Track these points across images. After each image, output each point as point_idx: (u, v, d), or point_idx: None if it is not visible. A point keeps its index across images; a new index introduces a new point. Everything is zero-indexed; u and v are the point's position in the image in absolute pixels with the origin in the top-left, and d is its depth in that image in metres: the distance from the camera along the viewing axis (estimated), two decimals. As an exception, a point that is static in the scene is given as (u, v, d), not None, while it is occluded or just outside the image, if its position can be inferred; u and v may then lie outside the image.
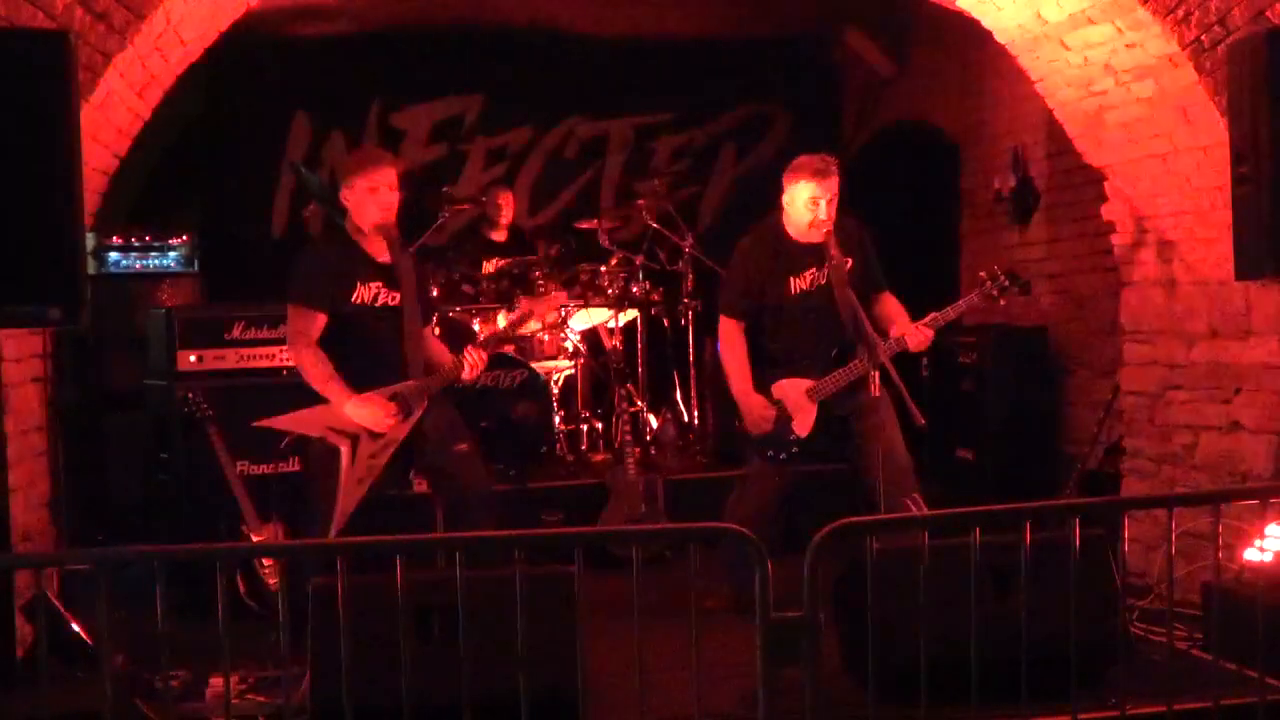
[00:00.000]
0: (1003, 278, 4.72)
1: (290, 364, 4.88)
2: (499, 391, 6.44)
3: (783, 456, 4.85)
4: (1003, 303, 4.81)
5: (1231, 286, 4.88)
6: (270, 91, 8.15)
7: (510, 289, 6.78)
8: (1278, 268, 4.17)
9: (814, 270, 4.81)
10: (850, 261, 4.74)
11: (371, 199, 4.40)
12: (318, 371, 4.32)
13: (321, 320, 4.38)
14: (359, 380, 4.36)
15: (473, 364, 4.45)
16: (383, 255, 4.48)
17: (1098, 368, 6.54)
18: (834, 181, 4.70)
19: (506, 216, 7.59)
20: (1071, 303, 6.81)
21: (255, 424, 4.54)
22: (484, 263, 7.10)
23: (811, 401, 4.80)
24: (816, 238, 4.72)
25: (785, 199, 4.81)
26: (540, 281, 6.69)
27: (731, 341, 4.91)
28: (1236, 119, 4.29)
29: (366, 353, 4.42)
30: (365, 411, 4.32)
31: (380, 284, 4.44)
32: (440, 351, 4.68)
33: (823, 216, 4.68)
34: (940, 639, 3.13)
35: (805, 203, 4.71)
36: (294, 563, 3.69)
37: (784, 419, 4.82)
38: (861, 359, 4.59)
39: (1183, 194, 5.08)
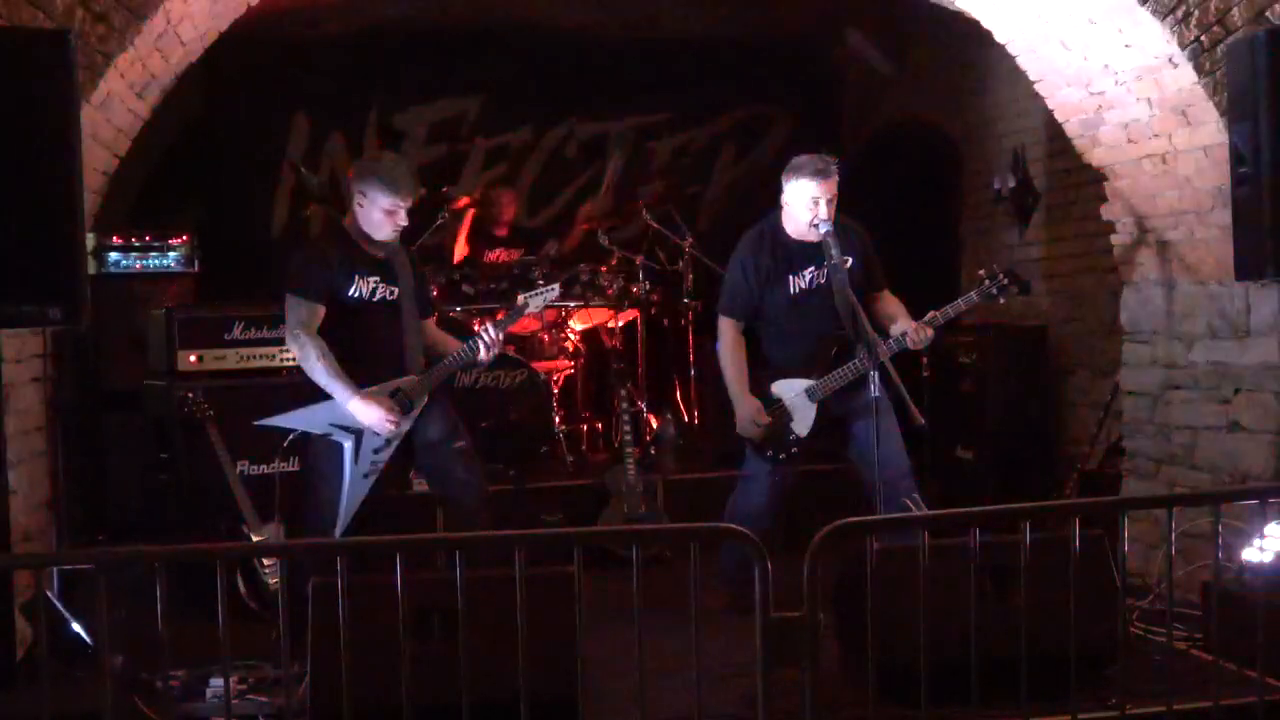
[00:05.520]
0: (1002, 276, 4.71)
1: (291, 363, 4.89)
2: (499, 391, 6.45)
3: (782, 456, 4.85)
4: (1002, 301, 4.80)
5: (1231, 286, 4.88)
6: (270, 91, 8.15)
7: (510, 289, 6.79)
8: (1278, 268, 4.17)
9: (813, 270, 4.81)
10: (850, 261, 4.75)
11: (387, 220, 4.41)
12: (323, 366, 4.32)
13: (320, 312, 4.38)
14: (360, 375, 4.36)
15: (489, 341, 4.43)
16: (379, 251, 4.50)
17: (1098, 368, 6.54)
18: (833, 181, 4.70)
19: (507, 216, 7.61)
20: (1071, 303, 6.81)
21: (257, 423, 4.55)
22: (487, 254, 7.11)
23: (811, 401, 4.80)
24: (816, 237, 4.72)
25: (784, 198, 4.81)
26: (540, 281, 6.69)
27: (730, 342, 4.91)
28: (1236, 119, 4.29)
29: (366, 347, 4.43)
30: (369, 411, 4.32)
31: (378, 278, 4.45)
32: (445, 341, 4.68)
33: (823, 216, 4.68)
34: (940, 639, 3.13)
35: (805, 202, 4.71)
36: (294, 563, 3.69)
37: (783, 418, 4.83)
38: (861, 358, 4.59)
39: (1183, 194, 5.08)
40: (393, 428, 4.37)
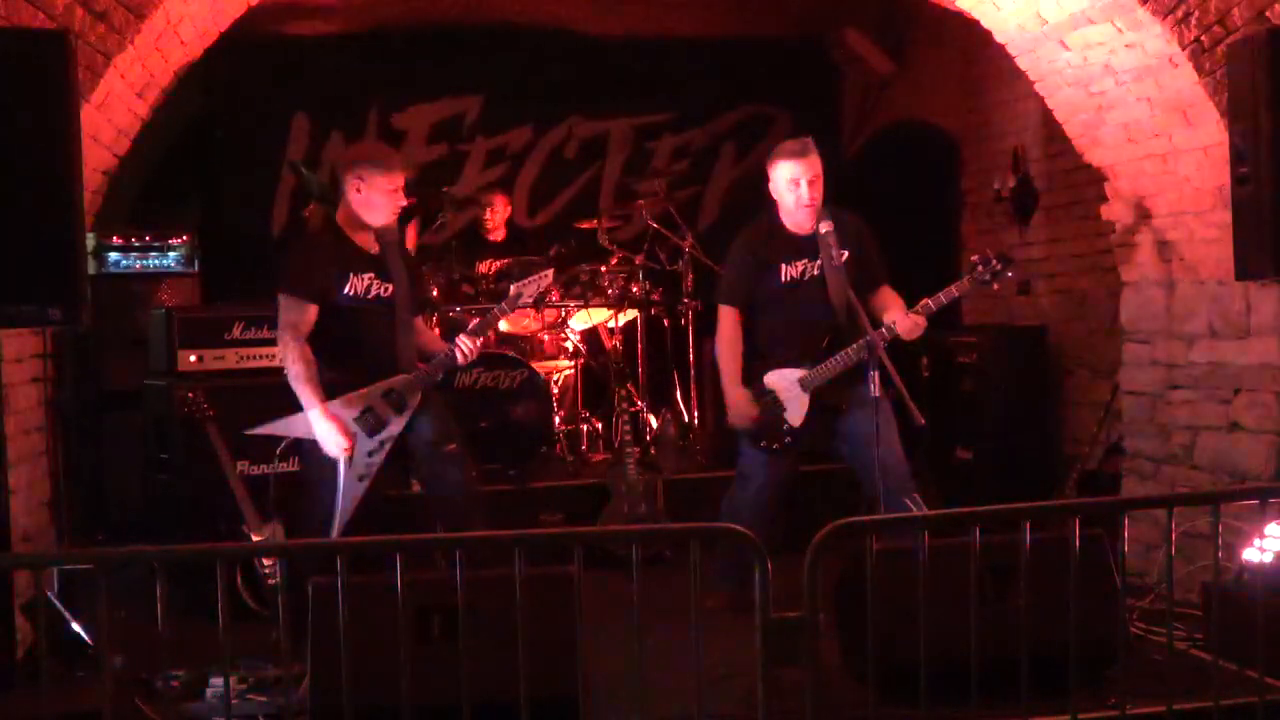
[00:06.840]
0: (995, 261, 4.60)
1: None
2: (499, 391, 6.44)
3: (776, 446, 4.84)
4: (996, 287, 4.75)
5: (1231, 286, 4.88)
6: (270, 91, 8.15)
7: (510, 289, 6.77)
8: (1278, 268, 4.17)
9: (806, 260, 4.81)
10: (846, 254, 4.74)
11: (388, 199, 4.42)
12: (298, 369, 4.31)
13: (312, 312, 4.37)
14: (353, 374, 4.36)
15: (466, 350, 4.45)
16: (373, 247, 4.49)
17: (1098, 368, 6.54)
18: (814, 160, 4.71)
19: (497, 220, 7.59)
20: (1071, 303, 6.81)
21: (249, 432, 4.56)
22: (479, 264, 7.10)
23: (804, 391, 4.79)
24: (808, 223, 4.71)
25: (771, 187, 4.82)
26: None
27: (728, 331, 4.91)
28: (1236, 119, 4.29)
29: (359, 345, 4.43)
30: (325, 427, 4.30)
31: (372, 275, 4.45)
32: (435, 342, 4.71)
33: (805, 196, 4.67)
34: (940, 639, 3.13)
35: (787, 184, 4.72)
36: (294, 563, 3.69)
37: (777, 409, 4.82)
38: (854, 348, 4.59)
39: (1183, 194, 5.08)
40: (341, 454, 4.33)
